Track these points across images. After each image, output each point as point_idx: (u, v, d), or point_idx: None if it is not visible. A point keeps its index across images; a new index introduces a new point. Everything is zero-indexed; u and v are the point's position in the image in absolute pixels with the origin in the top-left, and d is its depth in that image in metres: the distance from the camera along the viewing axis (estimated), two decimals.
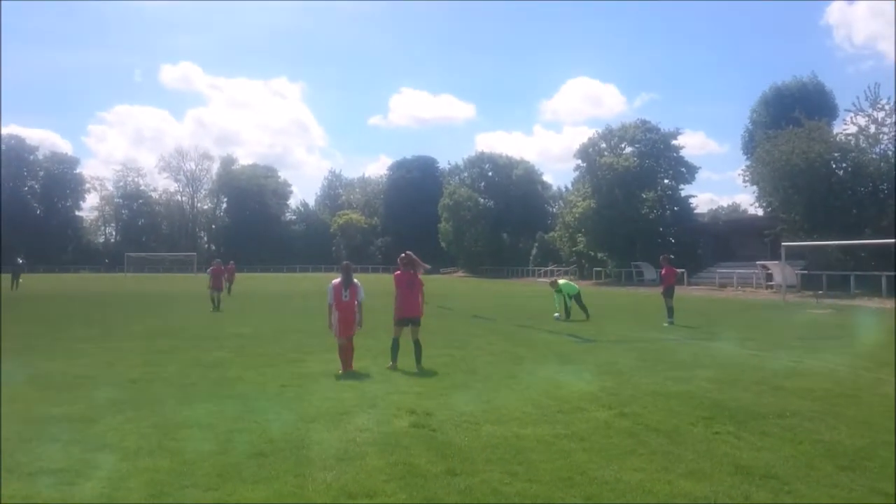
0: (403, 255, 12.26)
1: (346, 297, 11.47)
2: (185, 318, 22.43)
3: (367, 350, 13.03)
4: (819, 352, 14.10)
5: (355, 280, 11.68)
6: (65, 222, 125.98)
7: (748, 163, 53.99)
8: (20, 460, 6.13)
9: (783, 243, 38.36)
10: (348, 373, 11.03)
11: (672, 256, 25.45)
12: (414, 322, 11.85)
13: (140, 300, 34.04)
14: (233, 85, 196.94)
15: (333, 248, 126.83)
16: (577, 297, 22.97)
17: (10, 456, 6.26)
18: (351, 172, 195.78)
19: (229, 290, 34.99)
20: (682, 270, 52.48)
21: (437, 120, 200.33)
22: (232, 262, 38.25)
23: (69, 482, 5.56)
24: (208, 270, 28.17)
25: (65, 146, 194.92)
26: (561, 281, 23.90)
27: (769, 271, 45.10)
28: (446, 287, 54.38)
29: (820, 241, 39.21)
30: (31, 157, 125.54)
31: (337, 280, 11.66)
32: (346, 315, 11.44)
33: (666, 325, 20.16)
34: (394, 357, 11.65)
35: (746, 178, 50.17)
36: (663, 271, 22.58)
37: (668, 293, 21.45)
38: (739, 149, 69.62)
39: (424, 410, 8.18)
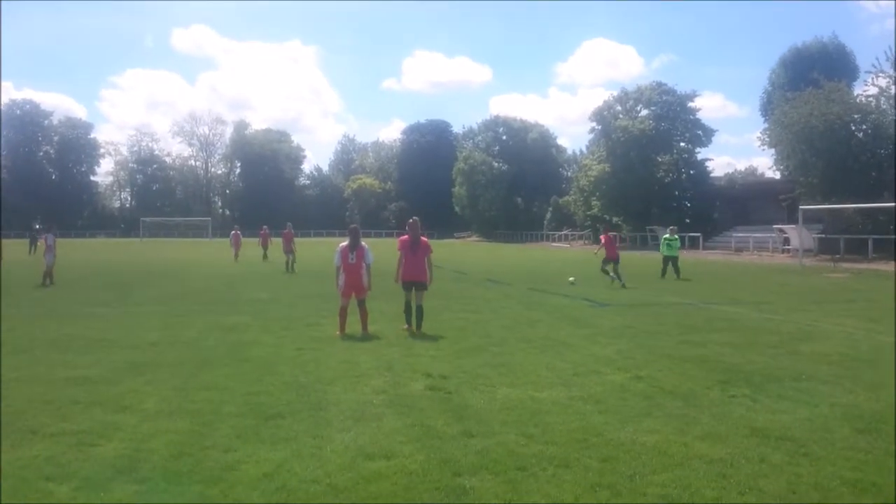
0: (412, 220, 12.19)
1: (352, 259, 11.54)
2: (201, 283, 22.58)
3: (382, 314, 13.10)
4: (835, 315, 14.05)
5: (363, 243, 11.73)
6: (80, 187, 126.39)
7: (766, 125, 53.34)
8: (44, 421, 6.22)
9: (800, 207, 38.01)
10: (364, 336, 11.14)
11: (614, 233, 25.74)
12: (419, 286, 11.76)
13: (157, 265, 34.24)
14: (245, 48, 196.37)
15: (347, 213, 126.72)
16: (674, 260, 24.54)
17: (34, 417, 6.36)
18: (364, 137, 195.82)
19: (265, 254, 35.25)
20: (698, 234, 52.37)
21: (452, 83, 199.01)
22: (266, 227, 38.10)
23: (91, 443, 5.64)
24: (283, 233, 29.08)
25: (79, 111, 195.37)
26: (673, 236, 25.14)
27: (786, 235, 44.79)
28: (460, 251, 54.45)
29: (838, 205, 38.82)
30: (46, 122, 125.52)
31: (344, 243, 11.73)
32: (353, 277, 11.55)
33: (613, 278, 21.18)
34: (408, 320, 11.76)
35: (764, 141, 49.62)
36: (603, 240, 22.59)
37: (614, 261, 21.82)
38: (758, 111, 68.71)
39: (440, 373, 8.24)
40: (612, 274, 21.51)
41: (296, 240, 28.72)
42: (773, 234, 47.07)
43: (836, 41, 61.67)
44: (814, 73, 46.69)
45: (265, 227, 37.95)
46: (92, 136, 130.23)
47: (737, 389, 7.47)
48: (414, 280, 11.76)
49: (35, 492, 4.68)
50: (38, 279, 21.53)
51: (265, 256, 35.13)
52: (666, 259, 24.80)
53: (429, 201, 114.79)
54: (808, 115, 41.70)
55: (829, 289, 21.24)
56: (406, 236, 11.93)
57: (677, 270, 24.37)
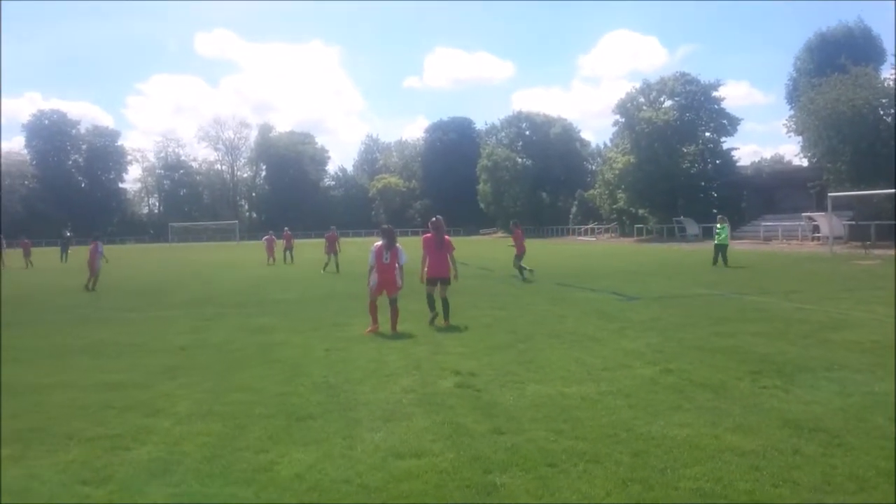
0: (434, 219, 12.76)
1: (386, 259, 11.83)
2: (229, 286, 22.77)
3: (411, 313, 13.10)
4: (867, 303, 13.85)
5: (397, 244, 11.98)
6: (109, 194, 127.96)
7: (792, 112, 52.67)
8: (79, 426, 6.31)
9: (829, 194, 37.50)
10: (394, 335, 11.19)
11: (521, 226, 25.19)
12: (443, 282, 12.43)
13: (185, 269, 34.60)
14: (267, 50, 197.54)
15: (373, 213, 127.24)
16: (723, 248, 25.69)
17: (70, 423, 6.46)
18: (388, 136, 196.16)
19: (292, 257, 35.68)
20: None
21: (474, 80, 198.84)
22: (287, 229, 38.72)
23: (125, 447, 5.72)
24: (325, 236, 29.66)
25: (106, 119, 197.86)
26: (723, 225, 26.27)
27: (815, 223, 44.24)
28: (486, 248, 54.34)
29: (868, 191, 38.24)
30: (74, 131, 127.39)
31: (378, 243, 11.97)
32: (386, 276, 11.82)
33: (523, 278, 21.30)
34: (431, 308, 12.29)
35: (791, 128, 49.00)
36: (515, 233, 23.02)
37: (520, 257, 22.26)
38: (784, 98, 67.81)
39: (469, 371, 8.24)
40: (524, 269, 21.93)
41: (322, 241, 29.04)
42: (802, 223, 46.51)
43: (863, 25, 60.76)
44: (840, 58, 46.01)
45: (286, 229, 38.50)
46: (119, 143, 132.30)
47: (768, 380, 7.39)
48: (439, 277, 12.40)
49: (72, 496, 4.76)
50: (68, 286, 21.93)
51: (290, 259, 35.55)
52: (717, 248, 25.88)
53: (453, 198, 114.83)
54: (835, 101, 41.11)
55: (861, 276, 20.94)
56: (430, 234, 12.43)
57: (725, 259, 25.28)
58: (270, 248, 36.72)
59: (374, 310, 11.75)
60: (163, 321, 13.90)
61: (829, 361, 8.28)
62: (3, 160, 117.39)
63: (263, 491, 4.73)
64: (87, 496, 4.75)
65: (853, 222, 41.67)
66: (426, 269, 12.44)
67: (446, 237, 12.46)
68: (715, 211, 59.31)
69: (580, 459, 5.13)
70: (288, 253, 36.02)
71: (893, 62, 41.68)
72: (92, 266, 22.25)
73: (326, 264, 28.07)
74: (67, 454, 5.57)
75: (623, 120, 70.55)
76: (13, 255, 44.76)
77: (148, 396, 7.41)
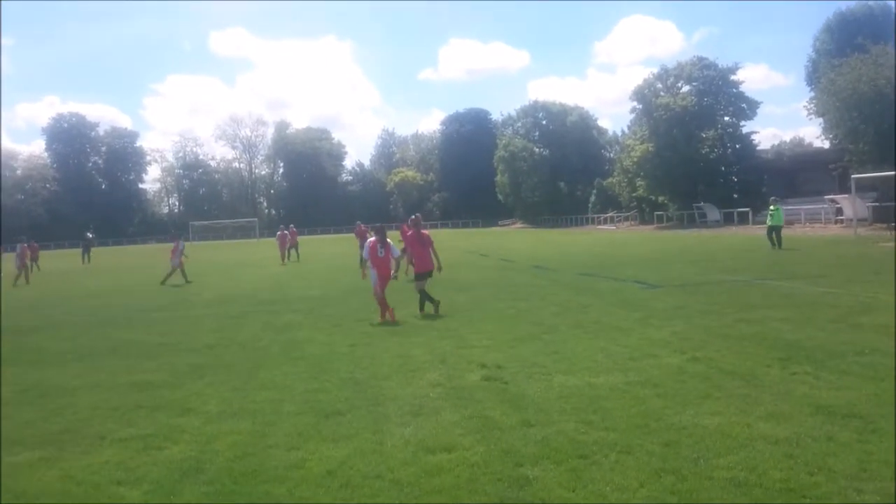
0: (414, 216, 13.88)
1: (381, 253, 12.66)
2: (252, 284, 22.89)
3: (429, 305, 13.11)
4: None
5: (388, 241, 12.86)
6: (129, 195, 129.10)
7: (812, 94, 52.04)
8: (111, 427, 6.38)
9: (853, 175, 37.01)
10: (417, 329, 11.26)
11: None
12: (429, 275, 13.37)
13: (207, 267, 34.81)
14: (281, 47, 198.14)
15: (391, 207, 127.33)
16: (778, 230, 26.52)
17: (101, 423, 6.53)
18: (404, 129, 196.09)
19: (297, 255, 35.80)
20: (748, 209, 51.41)
21: (489, 70, 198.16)
22: (292, 225, 38.95)
23: (158, 447, 5.77)
24: (355, 232, 30.38)
25: (124, 120, 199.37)
26: (776, 207, 27.16)
27: (838, 205, 43.70)
28: (506, 239, 54.29)
29: (891, 172, 37.69)
30: (93, 133, 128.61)
31: (372, 239, 12.92)
32: (383, 271, 12.65)
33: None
34: (431, 300, 12.87)
35: (811, 110, 48.43)
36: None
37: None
38: (803, 80, 66.89)
39: (495, 363, 8.23)
40: None
41: (341, 237, 29.16)
42: (825, 205, 45.97)
43: (883, 3, 59.82)
44: (859, 38, 45.39)
45: (291, 226, 38.72)
46: (138, 144, 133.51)
47: (798, 367, 7.32)
48: (428, 270, 13.36)
49: (107, 497, 4.81)
50: (92, 288, 22.16)
51: (297, 256, 35.71)
52: (770, 229, 26.73)
53: (471, 190, 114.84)
54: (856, 82, 40.56)
55: (886, 258, 20.65)
56: (411, 232, 13.56)
57: (779, 241, 26.21)
58: (283, 245, 36.87)
59: (384, 303, 12.51)
60: (188, 320, 14.01)
61: (859, 346, 8.19)
62: (24, 164, 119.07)
63: (297, 488, 4.75)
64: (121, 497, 4.80)
65: (877, 204, 41.08)
66: (414, 264, 13.53)
67: (424, 232, 13.53)
68: (736, 195, 59.38)
69: (611, 450, 5.11)
70: (294, 251, 36.06)
71: None
72: (173, 261, 24.19)
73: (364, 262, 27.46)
74: (101, 455, 5.63)
75: (640, 107, 69.90)
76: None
77: (177, 396, 7.47)
